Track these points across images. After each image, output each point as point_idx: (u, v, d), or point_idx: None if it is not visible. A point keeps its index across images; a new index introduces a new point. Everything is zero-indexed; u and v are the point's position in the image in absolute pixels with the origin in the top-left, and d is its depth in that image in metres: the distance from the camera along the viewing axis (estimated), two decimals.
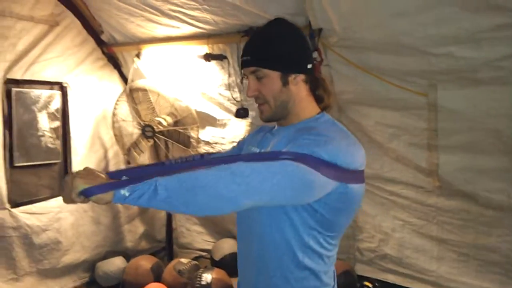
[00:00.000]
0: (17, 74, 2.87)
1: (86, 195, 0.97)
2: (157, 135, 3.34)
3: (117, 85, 3.65)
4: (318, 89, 1.28)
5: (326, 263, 1.19)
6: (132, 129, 3.48)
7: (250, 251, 1.25)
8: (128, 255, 3.52)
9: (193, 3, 2.70)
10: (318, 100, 1.28)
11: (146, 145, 3.47)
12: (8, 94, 2.82)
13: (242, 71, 1.28)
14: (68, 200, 0.99)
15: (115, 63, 3.65)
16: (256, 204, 1.04)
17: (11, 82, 2.83)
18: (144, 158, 3.66)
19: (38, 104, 3.06)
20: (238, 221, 1.30)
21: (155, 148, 3.73)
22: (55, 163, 3.19)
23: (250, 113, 3.06)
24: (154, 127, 3.33)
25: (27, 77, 2.93)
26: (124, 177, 1.01)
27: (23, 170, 2.94)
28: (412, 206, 2.79)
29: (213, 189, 0.96)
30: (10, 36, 2.80)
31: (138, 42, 3.34)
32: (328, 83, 1.33)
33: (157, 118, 3.35)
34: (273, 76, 1.20)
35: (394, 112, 2.65)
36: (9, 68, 2.81)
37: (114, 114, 3.46)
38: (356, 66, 2.54)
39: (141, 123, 3.38)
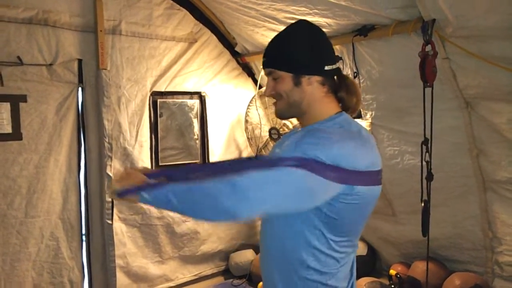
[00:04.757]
0: (162, 87, 3.38)
1: (117, 195, 1.15)
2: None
3: (251, 91, 3.94)
4: (341, 91, 1.25)
5: (334, 265, 1.16)
6: (261, 132, 3.72)
7: (264, 246, 1.30)
8: (259, 249, 3.76)
9: (303, 8, 2.78)
10: (340, 101, 1.26)
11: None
12: (154, 105, 3.35)
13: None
14: (110, 195, 1.21)
15: (249, 72, 3.96)
16: (262, 214, 1.09)
17: (156, 94, 3.36)
18: None
19: (188, 111, 3.55)
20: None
21: None
22: (194, 163, 3.63)
23: (369, 112, 2.99)
24: (280, 129, 3.51)
25: (169, 89, 3.42)
26: (152, 180, 1.17)
27: None
28: None
29: (215, 202, 1.03)
30: (156, 55, 3.33)
31: None
32: (356, 86, 1.29)
33: (283, 121, 3.52)
34: (285, 77, 1.22)
35: None
36: (155, 82, 3.34)
37: (246, 118, 3.75)
38: (477, 57, 2.27)
39: (269, 126, 3.59)
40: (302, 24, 1.29)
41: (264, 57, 1.29)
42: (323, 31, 1.30)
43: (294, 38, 1.25)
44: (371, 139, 1.21)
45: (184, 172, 1.33)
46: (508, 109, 2.37)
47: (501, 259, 2.78)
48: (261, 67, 3.59)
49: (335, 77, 1.28)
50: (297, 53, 1.22)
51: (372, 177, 1.13)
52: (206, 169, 1.43)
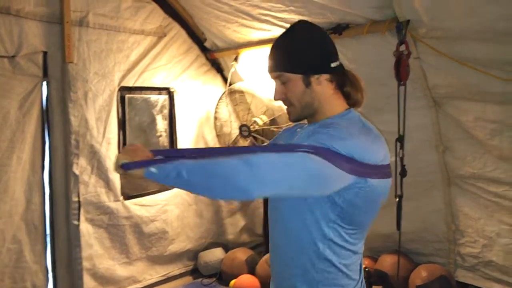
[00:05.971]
0: (130, 82, 3.27)
1: (124, 168, 1.12)
2: (253, 134, 3.51)
3: (220, 88, 3.90)
4: (346, 86, 1.27)
5: (349, 257, 1.19)
6: (231, 129, 3.69)
7: (276, 242, 1.29)
8: (229, 247, 3.75)
9: (279, 5, 2.79)
10: (346, 96, 1.28)
11: (243, 143, 3.65)
12: (122, 100, 3.23)
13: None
14: (114, 169, 1.16)
15: (218, 68, 3.92)
16: (272, 195, 1.09)
17: (124, 89, 3.24)
18: None
19: (150, 107, 3.45)
20: (269, 212, 1.33)
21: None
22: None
23: None
24: (250, 126, 3.50)
25: (138, 84, 3.32)
26: (159, 156, 1.16)
27: None
28: None
29: (228, 178, 1.03)
30: (124, 49, 3.21)
31: (236, 47, 3.53)
32: (359, 79, 1.30)
33: (253, 118, 3.51)
34: (296, 79, 1.22)
35: (496, 106, 2.43)
36: (123, 77, 3.22)
37: (215, 115, 3.71)
38: (449, 57, 2.38)
39: (238, 123, 3.58)
40: (303, 24, 1.29)
41: (270, 61, 1.26)
42: (323, 29, 1.31)
43: (299, 38, 1.24)
44: (381, 136, 1.23)
45: (192, 153, 1.28)
46: (475, 108, 2.50)
47: (463, 250, 2.93)
48: (234, 63, 3.57)
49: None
50: (304, 54, 1.22)
51: (383, 171, 1.16)
52: (215, 152, 1.40)
